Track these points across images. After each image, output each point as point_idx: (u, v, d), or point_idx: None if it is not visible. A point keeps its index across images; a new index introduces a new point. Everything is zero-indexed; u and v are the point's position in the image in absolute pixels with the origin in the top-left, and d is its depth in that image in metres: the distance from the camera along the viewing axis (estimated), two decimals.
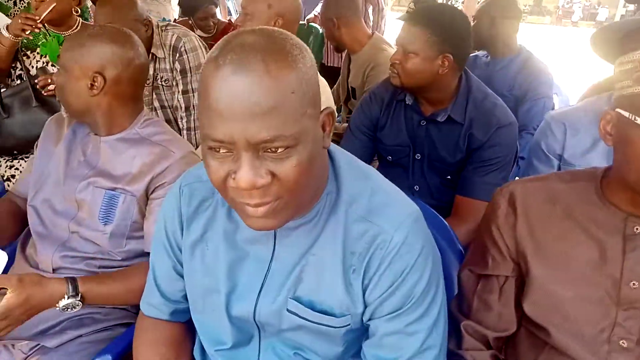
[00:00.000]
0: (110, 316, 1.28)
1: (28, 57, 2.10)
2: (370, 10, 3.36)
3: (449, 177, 1.63)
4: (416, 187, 1.69)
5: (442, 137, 1.59)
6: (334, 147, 0.86)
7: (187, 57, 2.10)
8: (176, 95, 2.14)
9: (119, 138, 1.28)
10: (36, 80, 1.93)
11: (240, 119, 0.64)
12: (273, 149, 0.66)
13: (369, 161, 1.75)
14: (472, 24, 2.24)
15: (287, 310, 0.85)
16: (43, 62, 2.10)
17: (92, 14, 3.89)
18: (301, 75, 0.67)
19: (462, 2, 3.38)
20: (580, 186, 0.93)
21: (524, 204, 0.95)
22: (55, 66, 2.07)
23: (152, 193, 1.25)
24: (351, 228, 0.81)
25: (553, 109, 2.28)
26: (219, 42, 0.69)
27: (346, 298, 0.83)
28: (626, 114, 0.80)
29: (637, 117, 0.78)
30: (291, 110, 0.65)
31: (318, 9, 3.73)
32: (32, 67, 2.09)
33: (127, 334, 1.23)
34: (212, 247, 0.89)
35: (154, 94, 2.20)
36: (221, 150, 0.68)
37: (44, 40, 2.07)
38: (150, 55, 2.07)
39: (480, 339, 0.97)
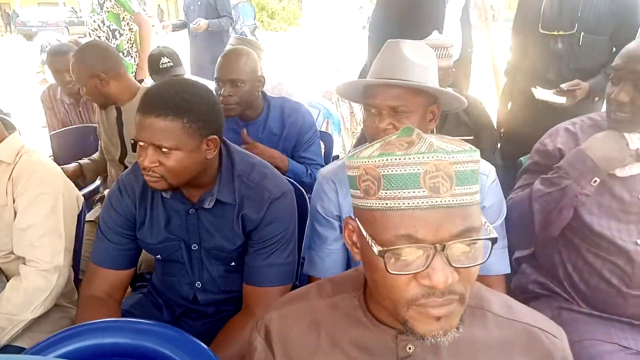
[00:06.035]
0: None
1: None
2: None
3: (233, 263, 1.44)
4: (198, 284, 1.46)
5: (216, 223, 1.38)
6: None
7: None
8: None
9: None
10: None
11: None
12: None
13: (131, 265, 1.45)
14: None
15: None
16: None
17: None
18: None
19: None
20: (344, 301, 0.78)
21: (281, 338, 0.77)
22: None
23: None
24: None
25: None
26: None
27: None
28: (365, 233, 0.66)
29: (373, 242, 0.65)
30: None
31: None
32: None
33: None
34: None
35: None
36: None
37: None
38: None
39: None
